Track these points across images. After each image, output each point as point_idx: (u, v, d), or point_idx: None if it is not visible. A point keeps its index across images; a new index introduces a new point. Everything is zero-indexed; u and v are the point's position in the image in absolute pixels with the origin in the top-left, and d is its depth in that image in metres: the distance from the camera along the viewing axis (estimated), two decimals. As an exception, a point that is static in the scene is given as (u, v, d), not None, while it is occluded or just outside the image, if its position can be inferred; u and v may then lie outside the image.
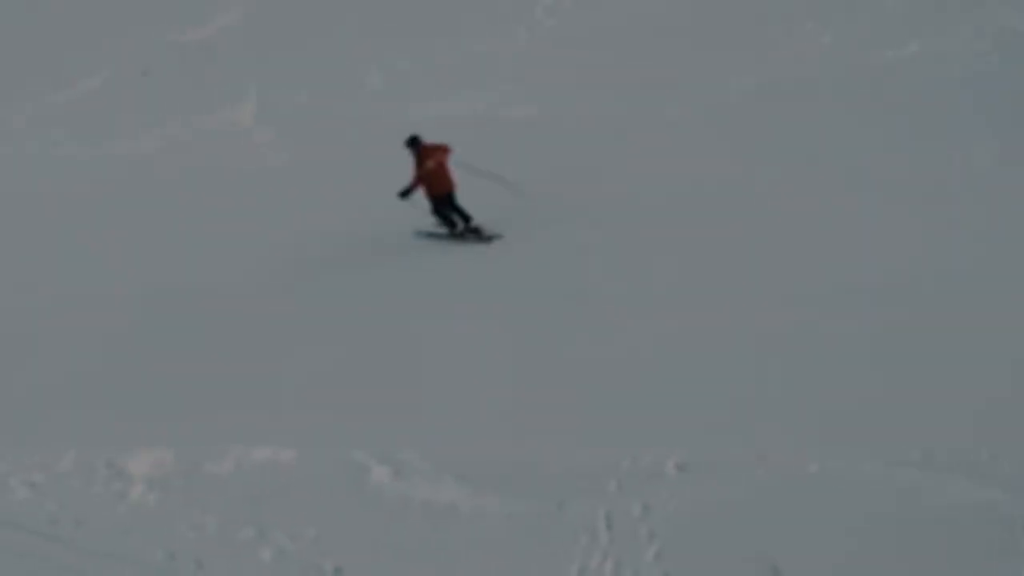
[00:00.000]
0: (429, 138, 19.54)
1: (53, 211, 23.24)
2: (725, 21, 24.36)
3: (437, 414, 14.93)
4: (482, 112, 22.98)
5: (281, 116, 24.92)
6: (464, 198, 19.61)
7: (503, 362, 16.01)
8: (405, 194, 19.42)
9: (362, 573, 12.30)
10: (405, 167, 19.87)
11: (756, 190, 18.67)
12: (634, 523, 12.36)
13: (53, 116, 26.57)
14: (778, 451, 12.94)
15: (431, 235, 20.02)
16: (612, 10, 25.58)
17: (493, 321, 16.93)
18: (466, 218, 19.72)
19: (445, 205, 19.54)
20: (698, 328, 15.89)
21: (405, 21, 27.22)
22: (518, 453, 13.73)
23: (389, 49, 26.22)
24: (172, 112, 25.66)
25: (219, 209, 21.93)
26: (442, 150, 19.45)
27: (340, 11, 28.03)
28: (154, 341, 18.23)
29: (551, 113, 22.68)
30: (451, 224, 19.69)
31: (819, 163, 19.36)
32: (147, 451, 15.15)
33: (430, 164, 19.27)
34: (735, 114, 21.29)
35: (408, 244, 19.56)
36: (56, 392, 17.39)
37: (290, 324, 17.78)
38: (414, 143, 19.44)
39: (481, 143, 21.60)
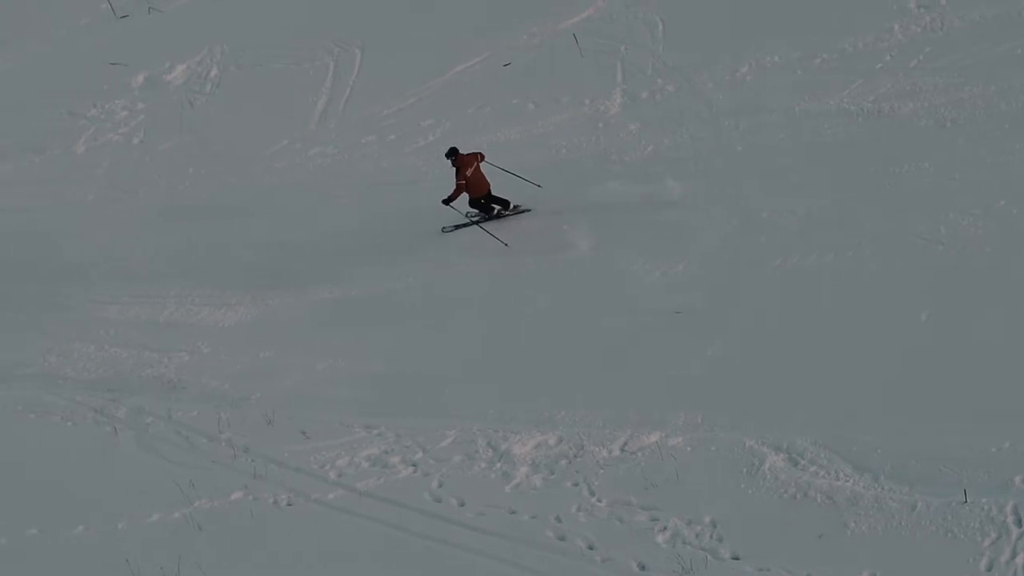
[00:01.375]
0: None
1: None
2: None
3: (825, 402, 15.86)
4: (868, 107, 23.51)
5: (647, 106, 26.04)
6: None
7: (885, 350, 16.75)
8: (448, 201, 22.83)
9: (760, 561, 13.42)
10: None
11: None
12: (1044, 517, 12.88)
13: (419, 106, 28.47)
14: None
15: (459, 227, 23.52)
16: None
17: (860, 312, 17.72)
18: (504, 203, 23.43)
19: (485, 202, 23.31)
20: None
21: (771, 16, 27.96)
22: (915, 442, 14.40)
23: (757, 43, 27.00)
24: (536, 103, 27.11)
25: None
26: (477, 157, 23.08)
27: (708, 5, 28.97)
28: (531, 326, 19.63)
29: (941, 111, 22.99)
30: (488, 211, 23.41)
31: None
32: (529, 433, 16.42)
33: (468, 173, 22.77)
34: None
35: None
36: (436, 370, 19.11)
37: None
38: (453, 154, 22.92)
39: (870, 138, 22.51)
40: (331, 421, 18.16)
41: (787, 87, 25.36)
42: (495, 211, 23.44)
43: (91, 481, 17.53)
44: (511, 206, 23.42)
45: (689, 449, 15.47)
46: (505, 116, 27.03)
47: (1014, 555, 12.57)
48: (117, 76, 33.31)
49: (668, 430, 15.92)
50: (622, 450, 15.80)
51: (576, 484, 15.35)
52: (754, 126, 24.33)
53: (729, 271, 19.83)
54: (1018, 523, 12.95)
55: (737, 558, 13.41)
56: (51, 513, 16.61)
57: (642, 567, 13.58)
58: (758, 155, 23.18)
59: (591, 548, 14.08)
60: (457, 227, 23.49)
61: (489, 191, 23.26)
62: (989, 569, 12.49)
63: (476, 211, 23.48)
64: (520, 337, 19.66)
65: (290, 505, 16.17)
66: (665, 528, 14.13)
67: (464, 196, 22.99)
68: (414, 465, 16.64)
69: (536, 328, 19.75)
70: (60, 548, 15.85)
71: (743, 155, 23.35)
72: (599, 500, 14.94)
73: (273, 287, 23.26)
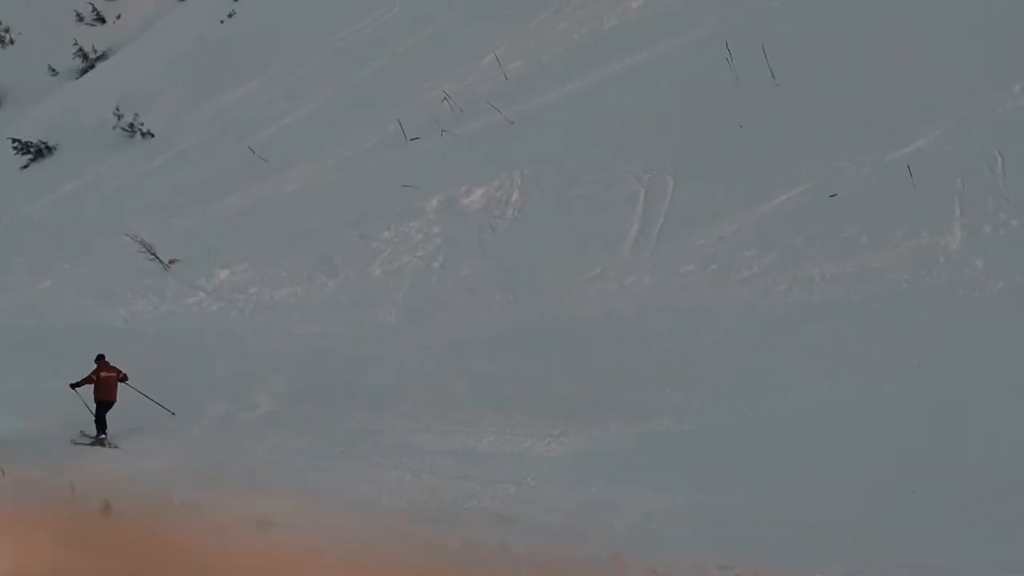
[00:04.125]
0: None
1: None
2: None
3: None
4: None
5: (991, 241, 26.26)
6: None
7: None
8: (74, 385, 28.76)
9: None
10: None
11: None
12: None
13: (741, 235, 29.13)
14: None
15: (80, 442, 28.37)
16: None
17: None
18: (103, 429, 28.59)
19: (102, 411, 28.59)
20: None
21: None
22: None
23: None
24: (869, 235, 27.51)
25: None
26: (117, 372, 28.89)
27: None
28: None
29: None
30: (100, 430, 28.58)
31: None
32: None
33: (101, 374, 28.71)
34: None
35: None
36: (788, 506, 19.62)
37: None
38: (99, 359, 28.98)
39: None
40: (683, 561, 18.68)
41: None
42: (99, 436, 28.59)
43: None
44: (102, 435, 28.59)
45: None
46: (835, 248, 27.53)
47: None
48: (410, 199, 34.81)
49: None
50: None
51: None
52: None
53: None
54: None
55: None
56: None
57: None
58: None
59: None
60: (87, 443, 28.50)
61: (111, 403, 28.70)
62: None
63: (96, 425, 28.71)
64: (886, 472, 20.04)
65: (646, 649, 16.69)
66: None
67: (91, 393, 28.67)
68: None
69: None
70: None
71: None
72: None
73: (597, 417, 24.03)
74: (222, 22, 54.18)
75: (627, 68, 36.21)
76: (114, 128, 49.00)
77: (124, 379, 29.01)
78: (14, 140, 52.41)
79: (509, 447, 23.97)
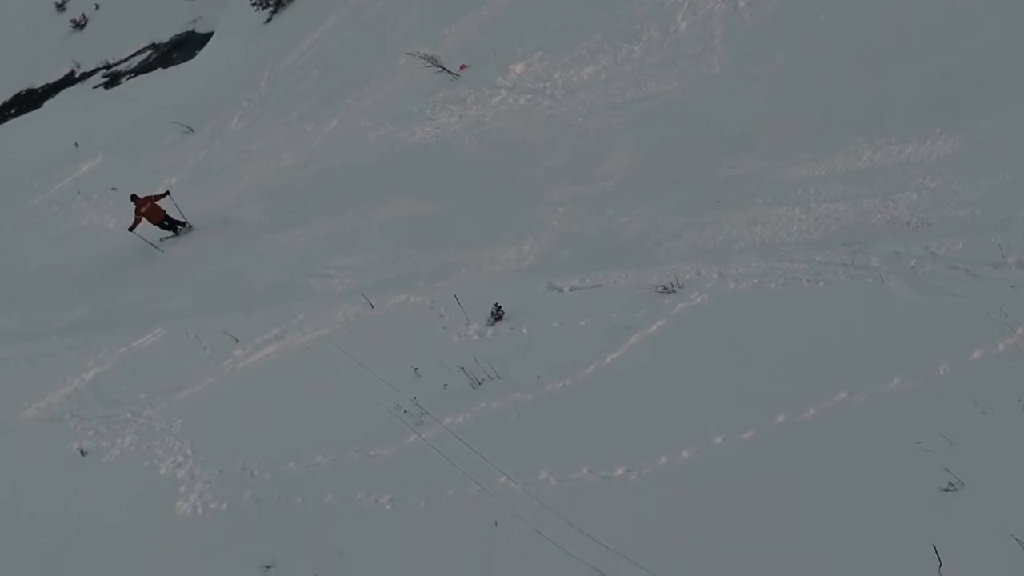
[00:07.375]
0: None
1: None
2: None
3: None
4: None
5: None
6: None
7: None
8: (131, 228, 36.73)
9: None
10: None
11: None
12: None
13: None
14: None
15: (164, 239, 37.35)
16: None
17: None
18: (182, 223, 37.35)
19: (165, 225, 37.14)
20: None
21: None
22: None
23: None
24: None
25: None
26: (151, 198, 36.67)
27: None
28: None
29: None
30: (173, 230, 37.32)
31: None
32: None
33: (142, 210, 36.44)
34: None
35: None
36: None
37: None
38: (133, 199, 36.96)
39: None
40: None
41: None
42: (177, 231, 37.23)
43: (884, 333, 18.59)
44: (185, 224, 37.35)
45: None
46: None
47: None
48: (688, -51, 34.40)
49: None
50: None
51: None
52: None
53: None
54: None
55: None
56: (854, 374, 17.66)
57: None
58: None
59: None
60: (163, 239, 37.30)
61: (162, 218, 36.94)
62: None
63: (165, 230, 37.39)
64: None
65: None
66: None
67: (146, 224, 36.69)
68: None
69: None
70: (876, 408, 16.87)
71: None
72: None
73: (971, 110, 23.62)
74: None
75: None
76: (350, -43, 49.24)
77: (165, 195, 37.03)
78: (251, -3, 53.11)
79: (891, 158, 23.66)
